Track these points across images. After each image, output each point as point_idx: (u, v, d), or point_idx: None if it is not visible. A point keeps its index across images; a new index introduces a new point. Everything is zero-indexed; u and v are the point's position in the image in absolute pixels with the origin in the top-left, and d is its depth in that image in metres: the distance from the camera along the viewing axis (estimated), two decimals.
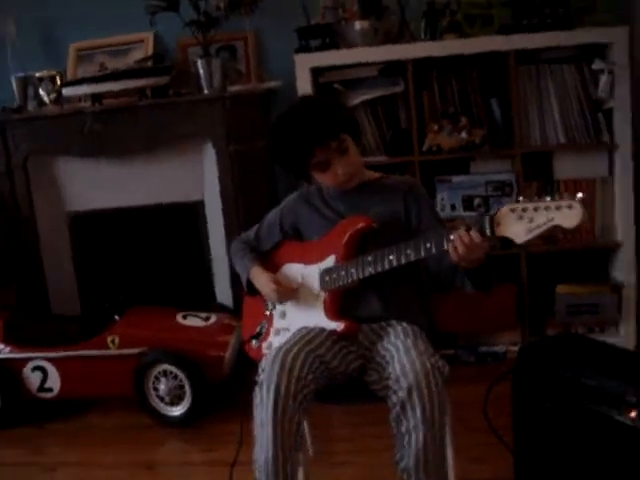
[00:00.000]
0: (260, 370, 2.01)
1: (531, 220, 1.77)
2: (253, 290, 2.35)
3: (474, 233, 1.85)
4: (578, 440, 2.09)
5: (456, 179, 3.48)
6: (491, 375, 2.60)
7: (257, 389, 1.99)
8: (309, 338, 2.08)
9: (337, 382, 2.11)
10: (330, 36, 3.44)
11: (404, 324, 2.14)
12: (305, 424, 2.08)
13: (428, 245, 1.95)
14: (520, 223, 1.79)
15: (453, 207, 3.48)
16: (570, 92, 3.40)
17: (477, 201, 3.45)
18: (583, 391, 2.04)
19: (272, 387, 1.93)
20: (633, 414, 1.91)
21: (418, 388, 1.86)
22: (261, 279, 2.30)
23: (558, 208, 1.73)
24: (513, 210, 1.79)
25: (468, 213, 3.43)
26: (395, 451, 1.96)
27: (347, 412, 3.07)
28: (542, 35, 3.29)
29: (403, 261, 2.00)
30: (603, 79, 3.30)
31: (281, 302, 2.29)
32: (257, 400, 1.98)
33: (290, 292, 2.26)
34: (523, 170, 3.42)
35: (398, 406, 1.89)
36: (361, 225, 2.16)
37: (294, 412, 1.94)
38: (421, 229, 2.17)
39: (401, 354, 1.95)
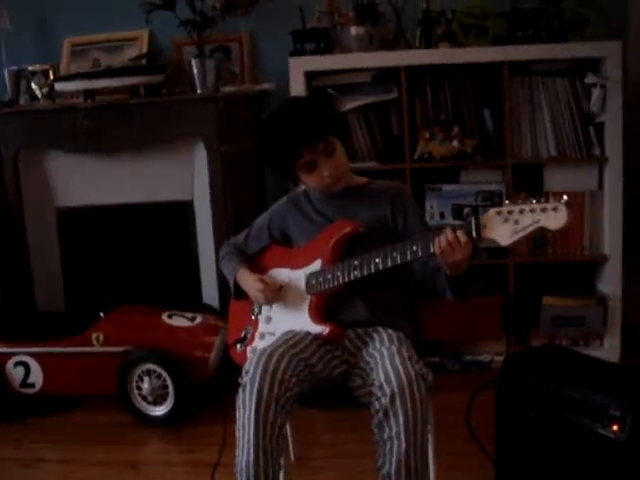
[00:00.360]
0: (243, 372, 2.00)
1: (516, 222, 1.79)
2: (240, 292, 2.35)
3: (460, 233, 1.86)
4: (560, 452, 2.10)
5: (446, 188, 3.49)
6: (475, 384, 2.61)
7: (240, 391, 1.98)
8: (294, 342, 2.07)
9: (321, 386, 2.11)
10: (325, 40, 3.44)
11: (389, 330, 2.14)
12: (288, 428, 2.07)
13: (415, 248, 1.95)
14: (505, 225, 1.80)
15: (442, 215, 3.48)
16: (562, 105, 3.41)
17: (466, 210, 3.46)
18: (567, 403, 2.04)
19: (255, 390, 1.92)
20: (615, 427, 1.92)
21: (401, 395, 1.86)
22: (248, 280, 2.30)
23: (544, 210, 1.75)
24: (499, 213, 1.81)
25: (457, 222, 3.43)
26: (377, 457, 1.95)
27: (329, 417, 3.07)
28: (536, 47, 3.31)
29: (389, 264, 2.00)
30: (595, 93, 3.32)
31: (268, 303, 2.28)
32: (239, 402, 1.97)
33: (276, 294, 2.25)
34: (513, 181, 3.43)
35: (381, 413, 1.89)
36: (348, 229, 2.17)
37: (276, 415, 1.93)
38: (407, 234, 2.18)
39: (385, 361, 1.95)
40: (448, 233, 1.87)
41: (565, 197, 1.76)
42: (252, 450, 1.93)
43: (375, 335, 2.13)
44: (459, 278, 1.99)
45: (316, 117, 2.15)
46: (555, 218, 1.74)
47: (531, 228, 1.77)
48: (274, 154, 2.21)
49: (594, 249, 3.49)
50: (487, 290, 3.46)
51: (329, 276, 2.13)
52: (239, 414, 1.97)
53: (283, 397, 1.94)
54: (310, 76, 3.46)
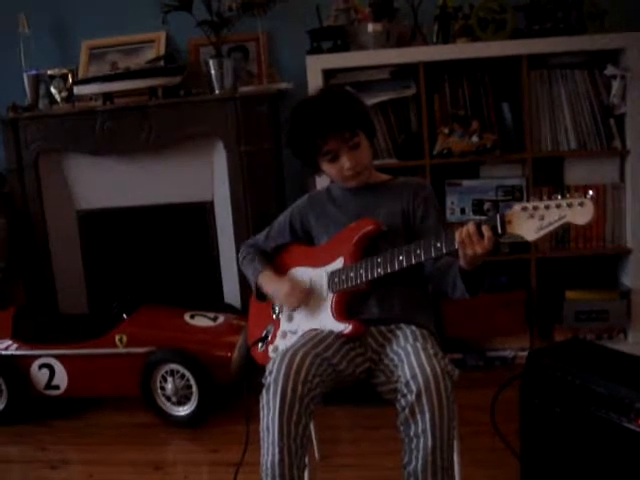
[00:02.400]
0: (267, 373, 1.99)
1: (542, 218, 1.77)
2: (262, 295, 2.35)
3: (485, 228, 1.85)
4: (586, 447, 2.08)
5: (466, 183, 3.48)
6: (499, 380, 2.59)
7: (264, 392, 1.97)
8: (317, 341, 2.07)
9: (344, 385, 2.10)
10: (342, 38, 3.44)
11: (413, 327, 2.13)
12: (311, 426, 2.07)
13: (439, 244, 1.94)
14: (531, 221, 1.79)
15: (463, 211, 3.47)
16: (582, 97, 3.39)
17: (487, 205, 3.44)
18: (592, 398, 2.03)
19: (278, 390, 1.92)
20: None
21: (428, 392, 1.85)
22: (274, 285, 2.29)
23: (570, 205, 1.74)
24: (524, 209, 1.80)
25: (478, 217, 3.42)
26: (402, 455, 1.94)
27: (352, 414, 3.07)
28: (554, 40, 3.29)
29: (413, 261, 1.99)
30: (615, 85, 3.29)
31: (294, 308, 2.27)
32: (263, 403, 1.96)
33: (304, 297, 2.24)
34: (533, 175, 3.42)
35: (407, 409, 1.88)
36: (370, 228, 2.16)
37: (300, 416, 1.93)
38: (424, 230, 2.17)
39: (411, 358, 1.94)
40: (470, 226, 1.86)
41: (591, 192, 1.75)
42: (277, 450, 1.93)
43: (399, 332, 2.12)
44: (473, 272, 1.98)
45: (347, 107, 2.16)
46: (581, 213, 1.73)
47: (557, 224, 1.76)
48: (300, 138, 2.20)
49: (616, 242, 3.47)
50: (510, 285, 3.44)
51: (352, 274, 2.13)
52: (263, 415, 1.96)
53: (307, 397, 1.93)
54: (328, 74, 3.45)
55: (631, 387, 1.97)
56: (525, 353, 3.21)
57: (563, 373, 2.13)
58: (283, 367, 1.94)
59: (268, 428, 1.94)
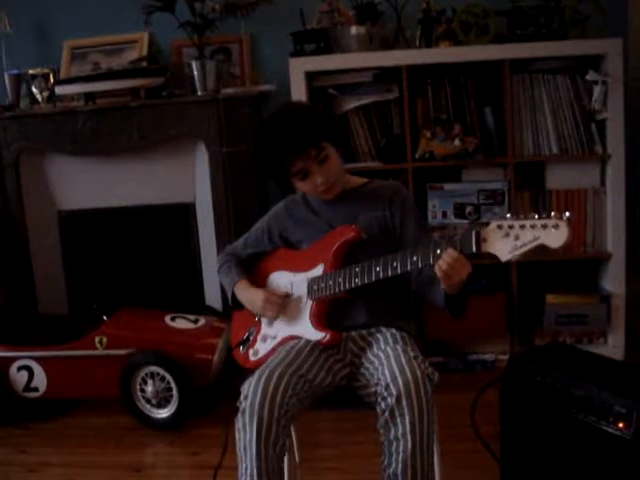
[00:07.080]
0: (242, 397, 1.96)
1: (517, 238, 1.75)
2: (238, 303, 2.34)
3: (456, 253, 1.84)
4: (566, 450, 2.09)
5: (448, 187, 3.48)
6: (479, 383, 2.60)
7: (239, 415, 1.94)
8: (292, 356, 2.04)
9: (325, 395, 2.09)
10: (325, 41, 3.45)
11: (393, 330, 2.13)
12: (292, 430, 2.06)
13: (415, 258, 1.93)
14: (506, 240, 1.76)
15: (444, 214, 3.48)
16: (563, 102, 3.41)
17: (469, 209, 3.45)
18: (572, 401, 2.04)
19: (255, 414, 1.89)
20: (621, 425, 1.91)
21: (407, 395, 1.85)
22: (249, 295, 2.29)
23: (544, 227, 1.71)
24: (500, 227, 1.77)
25: (459, 221, 3.43)
26: (382, 458, 1.93)
27: (332, 418, 3.07)
28: (537, 45, 3.31)
29: (390, 273, 1.98)
30: (597, 90, 3.32)
31: (271, 318, 2.26)
32: (239, 425, 1.94)
33: (280, 306, 2.23)
34: (515, 179, 3.43)
35: (387, 412, 1.88)
36: (351, 235, 2.14)
37: (277, 437, 1.91)
38: (404, 235, 2.17)
39: (391, 361, 1.94)
40: (448, 254, 1.84)
41: (567, 214, 1.70)
42: (255, 472, 1.91)
43: (379, 336, 2.12)
44: (457, 297, 1.98)
45: (306, 124, 2.13)
46: (555, 236, 1.69)
47: (531, 245, 1.72)
48: (267, 163, 2.19)
49: (597, 247, 3.49)
50: (490, 289, 3.45)
51: (330, 282, 2.11)
52: (239, 437, 1.94)
53: (283, 418, 1.91)
54: (311, 76, 3.46)
55: (610, 390, 1.98)
56: (506, 357, 3.24)
57: (543, 377, 2.14)
58: (259, 391, 1.91)
59: (245, 449, 1.92)
